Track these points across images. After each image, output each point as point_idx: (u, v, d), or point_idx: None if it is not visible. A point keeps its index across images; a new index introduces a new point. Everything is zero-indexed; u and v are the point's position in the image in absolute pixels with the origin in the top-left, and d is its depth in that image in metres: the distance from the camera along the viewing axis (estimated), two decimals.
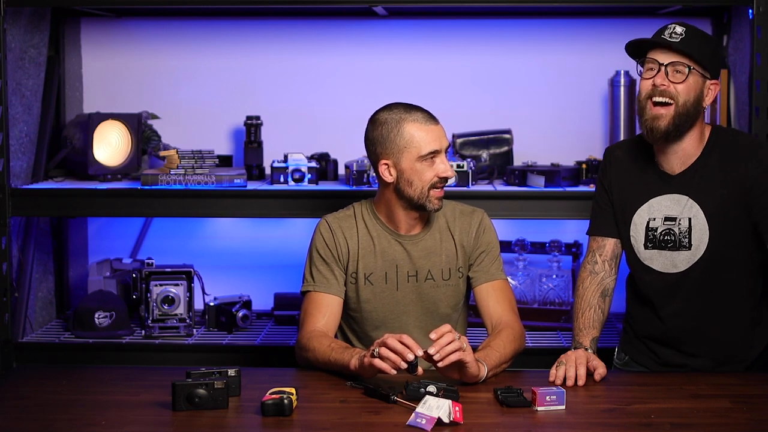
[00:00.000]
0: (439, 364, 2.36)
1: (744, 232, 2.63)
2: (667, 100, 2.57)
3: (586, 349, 2.62)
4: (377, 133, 2.68)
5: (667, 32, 2.59)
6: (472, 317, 3.02)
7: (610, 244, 2.77)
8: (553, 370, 2.51)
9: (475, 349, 2.50)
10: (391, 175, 2.68)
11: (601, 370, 2.52)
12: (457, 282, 2.78)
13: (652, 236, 2.67)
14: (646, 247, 2.68)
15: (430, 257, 2.76)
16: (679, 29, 2.58)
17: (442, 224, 2.79)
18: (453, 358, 2.36)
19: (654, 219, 2.67)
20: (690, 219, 2.63)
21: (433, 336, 2.36)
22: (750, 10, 3.29)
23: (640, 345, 2.79)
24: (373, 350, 2.37)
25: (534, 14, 3.94)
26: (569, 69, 3.95)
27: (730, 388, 2.49)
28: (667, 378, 2.61)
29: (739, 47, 3.58)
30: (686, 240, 2.63)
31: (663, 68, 2.57)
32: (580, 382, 2.47)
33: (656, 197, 2.68)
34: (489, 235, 2.80)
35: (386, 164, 2.69)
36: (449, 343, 2.35)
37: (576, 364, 2.51)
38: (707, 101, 2.63)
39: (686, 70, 2.56)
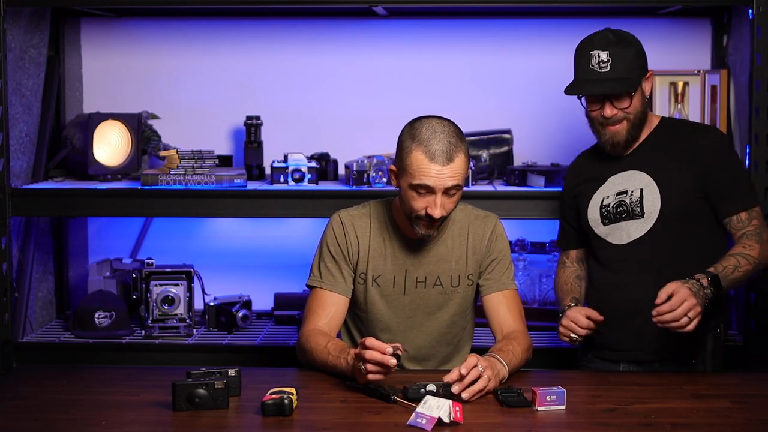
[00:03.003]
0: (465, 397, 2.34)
1: (695, 205, 2.76)
2: (620, 119, 2.76)
3: (571, 305, 2.82)
4: (400, 139, 2.63)
5: (593, 62, 2.73)
6: (476, 317, 3.01)
7: (574, 252, 3.04)
8: (565, 338, 2.76)
9: (485, 350, 2.49)
10: (395, 182, 2.67)
11: (594, 314, 2.72)
12: (465, 289, 2.76)
13: (606, 212, 2.83)
14: (603, 224, 2.85)
15: (440, 264, 2.75)
16: (604, 55, 2.72)
17: (455, 230, 2.77)
18: (477, 394, 2.36)
19: (607, 197, 2.84)
20: (642, 189, 2.78)
21: (463, 371, 2.33)
22: (750, 10, 3.29)
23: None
24: (361, 367, 2.36)
25: (534, 14, 3.94)
26: (569, 69, 3.92)
27: (730, 388, 2.50)
28: (667, 378, 2.61)
29: (739, 47, 3.58)
30: (638, 209, 2.78)
31: (606, 100, 2.74)
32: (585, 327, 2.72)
33: (608, 179, 2.85)
34: (501, 242, 2.79)
35: (393, 171, 2.67)
36: (475, 380, 2.35)
37: (574, 323, 2.73)
38: (648, 92, 2.81)
39: (629, 95, 2.73)
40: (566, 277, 2.98)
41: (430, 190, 2.55)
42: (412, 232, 2.71)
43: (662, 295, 2.54)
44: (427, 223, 2.60)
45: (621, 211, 2.79)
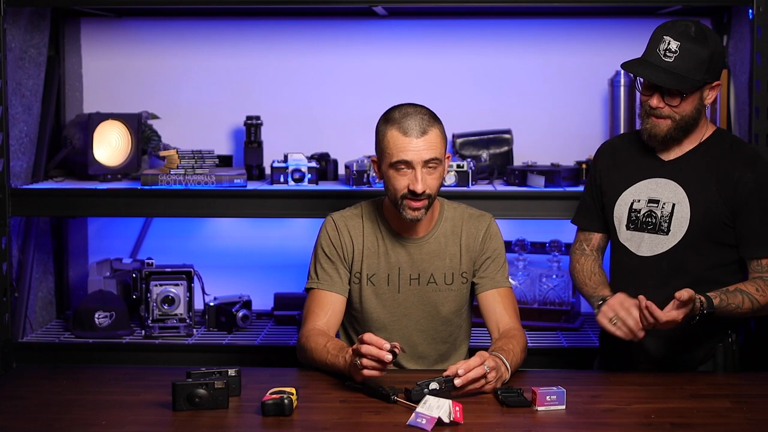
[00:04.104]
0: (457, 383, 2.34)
1: (721, 231, 2.67)
2: (665, 116, 2.65)
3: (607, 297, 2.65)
4: (376, 128, 2.69)
5: (661, 47, 2.60)
6: (473, 317, 3.01)
7: (596, 238, 2.89)
8: (610, 328, 2.53)
9: (483, 350, 2.50)
10: (378, 173, 2.71)
11: (655, 306, 2.49)
12: (459, 287, 2.77)
13: (635, 217, 2.74)
14: (627, 227, 2.75)
15: (433, 261, 2.75)
16: (674, 45, 2.59)
17: (448, 228, 2.78)
18: (471, 385, 2.36)
19: (638, 201, 2.74)
20: (674, 204, 2.68)
21: (460, 371, 2.32)
22: (750, 10, 3.29)
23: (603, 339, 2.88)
24: (357, 363, 2.36)
25: (534, 14, 3.94)
26: (569, 69, 3.95)
27: (730, 388, 2.50)
28: (667, 378, 2.61)
29: (739, 47, 3.58)
30: (666, 224, 2.69)
31: (658, 92, 2.63)
32: (647, 325, 2.50)
33: (644, 180, 2.75)
34: (496, 241, 2.79)
35: (375, 162, 2.72)
36: (476, 379, 2.34)
37: (626, 312, 2.52)
38: (708, 101, 2.68)
39: (681, 94, 2.62)
40: (590, 266, 2.85)
41: (409, 165, 2.59)
42: (405, 229, 2.74)
43: (684, 295, 2.44)
44: (413, 203, 2.62)
45: (649, 222, 2.70)
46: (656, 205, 2.71)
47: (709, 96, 2.66)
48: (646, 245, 2.72)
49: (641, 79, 2.68)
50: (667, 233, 2.69)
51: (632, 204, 2.75)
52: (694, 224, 2.66)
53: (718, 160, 2.68)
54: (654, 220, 2.70)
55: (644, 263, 2.72)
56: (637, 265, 2.74)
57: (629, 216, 2.75)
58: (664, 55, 2.59)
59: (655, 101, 2.64)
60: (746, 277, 2.71)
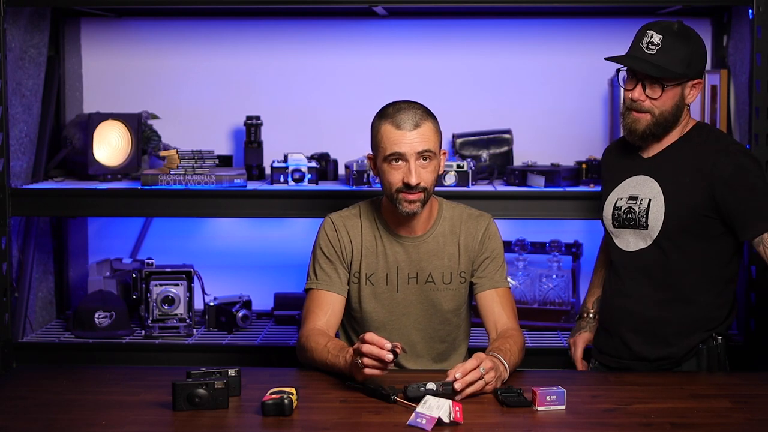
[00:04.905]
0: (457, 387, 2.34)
1: (699, 223, 2.68)
2: (645, 110, 2.68)
3: (588, 315, 2.98)
4: (371, 126, 2.71)
5: (645, 40, 2.65)
6: (471, 317, 3.01)
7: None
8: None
9: (482, 350, 2.50)
10: (374, 170, 2.73)
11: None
12: (458, 286, 2.77)
13: (617, 215, 2.79)
14: (614, 225, 2.81)
15: (431, 260, 2.76)
16: (656, 38, 2.63)
17: (446, 227, 2.78)
18: (470, 388, 2.36)
19: (621, 198, 2.79)
20: (650, 200, 2.72)
21: (458, 375, 2.32)
22: (750, 10, 3.29)
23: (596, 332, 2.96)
24: (358, 362, 2.36)
25: (534, 14, 3.95)
26: (569, 69, 3.95)
27: (730, 388, 2.50)
28: (667, 378, 2.61)
29: (739, 47, 3.58)
30: (644, 219, 2.73)
31: (640, 83, 2.67)
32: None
33: (627, 179, 2.80)
34: (494, 241, 2.80)
35: (371, 158, 2.74)
36: (473, 381, 2.34)
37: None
38: (690, 100, 2.71)
39: (661, 86, 2.65)
40: (604, 257, 3.00)
41: (402, 158, 2.62)
42: (403, 228, 2.75)
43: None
44: (408, 196, 2.64)
45: (629, 218, 2.75)
46: (635, 201, 2.75)
47: (691, 94, 2.69)
48: (631, 241, 2.76)
49: (624, 76, 2.72)
50: (646, 228, 2.73)
51: (616, 202, 2.80)
52: (668, 218, 2.68)
53: (695, 152, 2.70)
54: (633, 216, 2.75)
55: (631, 258, 2.77)
56: (625, 261, 2.78)
57: (613, 214, 2.80)
58: (647, 48, 2.63)
59: (636, 93, 2.67)
60: (738, 269, 2.77)
